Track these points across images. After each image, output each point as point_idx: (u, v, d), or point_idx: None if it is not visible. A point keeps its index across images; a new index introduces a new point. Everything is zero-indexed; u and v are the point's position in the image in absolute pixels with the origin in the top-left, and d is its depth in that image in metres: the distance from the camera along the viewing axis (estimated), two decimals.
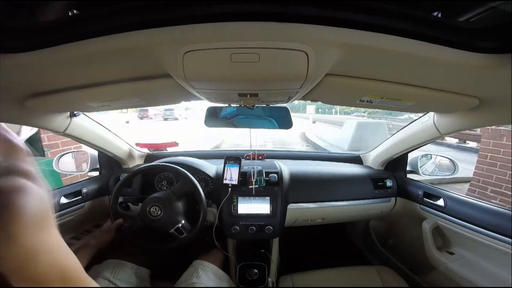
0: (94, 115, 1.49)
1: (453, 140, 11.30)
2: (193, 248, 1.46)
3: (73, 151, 1.77)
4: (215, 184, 1.52)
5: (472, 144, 10.49)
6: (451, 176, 1.60)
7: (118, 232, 1.29)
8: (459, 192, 1.37)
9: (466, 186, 4.49)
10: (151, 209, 1.23)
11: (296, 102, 1.29)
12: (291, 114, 1.28)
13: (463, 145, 10.84)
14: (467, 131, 10.74)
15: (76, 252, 1.07)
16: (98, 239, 1.21)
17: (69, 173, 2.67)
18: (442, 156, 1.70)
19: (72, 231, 1.48)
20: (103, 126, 1.56)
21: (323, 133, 12.63)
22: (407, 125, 1.49)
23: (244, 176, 1.51)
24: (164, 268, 1.45)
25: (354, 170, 1.76)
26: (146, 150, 2.06)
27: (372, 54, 0.62)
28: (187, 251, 1.43)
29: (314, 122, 18.71)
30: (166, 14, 0.53)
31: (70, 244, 1.31)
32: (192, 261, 1.34)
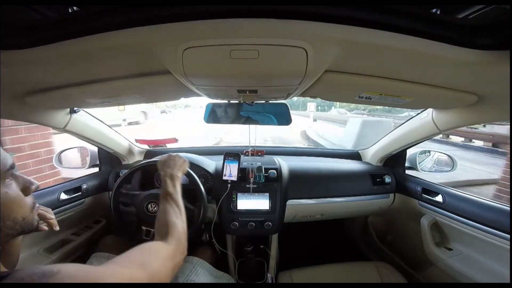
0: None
1: (458, 139, 10.92)
2: (189, 244, 1.46)
3: (74, 147, 1.76)
4: (214, 180, 1.53)
5: (478, 143, 10.16)
6: (450, 172, 1.60)
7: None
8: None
9: (483, 189, 4.25)
10: (149, 205, 1.24)
11: (295, 98, 1.29)
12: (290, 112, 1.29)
13: (470, 144, 10.42)
14: (474, 130, 10.35)
15: None
16: None
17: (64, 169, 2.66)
18: (440, 152, 1.71)
19: (72, 227, 1.48)
20: (103, 122, 1.56)
21: (325, 132, 11.69)
22: (406, 122, 1.49)
23: (243, 172, 1.51)
24: None
25: (353, 166, 1.76)
26: (145, 146, 2.07)
27: (371, 51, 0.62)
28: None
29: (315, 120, 17.79)
30: (165, 10, 0.53)
31: (70, 240, 1.29)
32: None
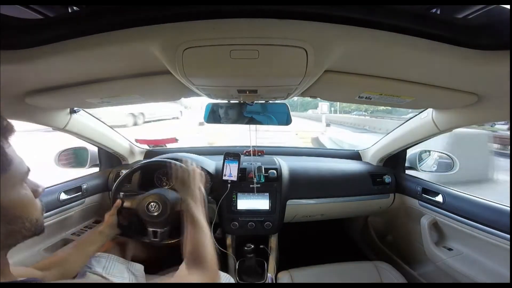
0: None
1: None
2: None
3: (74, 147, 1.76)
4: (214, 180, 1.53)
5: None
6: (451, 173, 1.60)
7: (120, 213, 1.26)
8: None
9: None
10: (149, 205, 1.24)
11: (295, 98, 1.29)
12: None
13: None
14: None
15: (88, 241, 1.07)
16: (106, 227, 1.17)
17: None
18: (440, 152, 1.70)
19: (72, 227, 1.48)
20: (103, 122, 1.56)
21: (350, 141, 8.55)
22: (406, 122, 1.49)
23: (243, 172, 1.51)
24: (157, 263, 1.46)
25: (353, 166, 1.76)
26: (145, 146, 2.07)
27: (371, 51, 0.62)
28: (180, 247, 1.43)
29: (328, 125, 14.04)
30: (165, 10, 0.53)
31: (70, 240, 1.31)
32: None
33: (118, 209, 1.24)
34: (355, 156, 2.03)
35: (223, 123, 1.36)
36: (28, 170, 0.56)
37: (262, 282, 1.46)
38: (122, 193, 1.37)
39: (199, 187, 1.07)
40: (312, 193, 1.56)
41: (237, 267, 1.51)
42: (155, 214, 1.22)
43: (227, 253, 1.56)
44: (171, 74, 0.76)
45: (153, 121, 12.53)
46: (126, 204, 1.27)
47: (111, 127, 1.65)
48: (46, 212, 1.27)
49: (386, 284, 1.32)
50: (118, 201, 1.26)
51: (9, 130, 0.50)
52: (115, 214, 1.22)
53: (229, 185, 1.44)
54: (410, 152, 1.72)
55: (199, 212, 0.92)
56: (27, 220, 0.53)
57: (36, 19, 0.56)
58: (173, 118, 14.41)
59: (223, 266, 1.50)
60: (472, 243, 1.23)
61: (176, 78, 0.77)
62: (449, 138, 5.10)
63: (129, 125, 11.03)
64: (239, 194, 1.48)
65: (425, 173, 1.68)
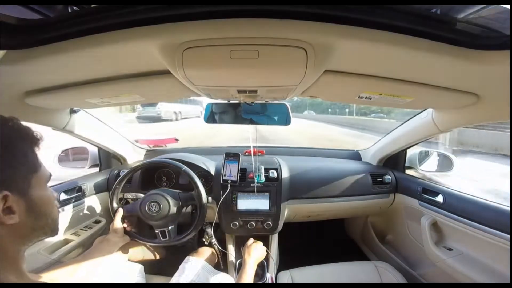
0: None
1: None
2: (187, 245, 1.46)
3: (73, 147, 1.76)
4: (214, 180, 1.53)
5: None
6: (449, 172, 1.60)
7: (124, 221, 1.29)
8: None
9: None
10: (150, 205, 1.24)
11: (295, 98, 1.29)
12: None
13: None
14: None
15: (95, 249, 1.12)
16: (114, 235, 1.21)
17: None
18: (440, 152, 1.71)
19: (72, 227, 1.48)
20: (103, 122, 1.56)
21: None
22: (406, 122, 1.49)
23: (243, 172, 1.51)
24: (157, 263, 1.46)
25: (353, 166, 1.76)
26: (145, 146, 2.07)
27: (371, 51, 0.62)
28: (180, 247, 1.43)
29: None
30: (165, 11, 0.53)
31: (70, 240, 1.32)
32: (185, 257, 1.34)
33: (121, 217, 1.27)
34: (355, 156, 2.03)
35: (222, 123, 1.36)
36: (50, 175, 0.62)
37: (262, 282, 1.46)
38: (122, 193, 1.38)
39: (257, 262, 1.33)
40: (312, 193, 1.56)
41: (237, 267, 1.51)
42: (157, 214, 1.23)
43: (227, 253, 1.57)
44: (171, 74, 0.76)
45: (183, 118, 15.66)
46: (127, 212, 1.29)
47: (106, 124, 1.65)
48: None
49: (386, 284, 1.32)
50: (120, 210, 1.28)
51: (39, 138, 0.58)
52: (120, 222, 1.26)
53: (229, 185, 1.44)
54: (410, 152, 1.73)
55: (248, 275, 1.18)
56: (50, 217, 0.59)
57: (36, 19, 0.56)
58: (196, 116, 17.14)
59: (224, 266, 1.50)
60: (472, 243, 1.23)
61: (176, 78, 0.77)
62: None
63: (173, 120, 14.67)
64: (239, 194, 1.48)
65: (424, 173, 1.69)
